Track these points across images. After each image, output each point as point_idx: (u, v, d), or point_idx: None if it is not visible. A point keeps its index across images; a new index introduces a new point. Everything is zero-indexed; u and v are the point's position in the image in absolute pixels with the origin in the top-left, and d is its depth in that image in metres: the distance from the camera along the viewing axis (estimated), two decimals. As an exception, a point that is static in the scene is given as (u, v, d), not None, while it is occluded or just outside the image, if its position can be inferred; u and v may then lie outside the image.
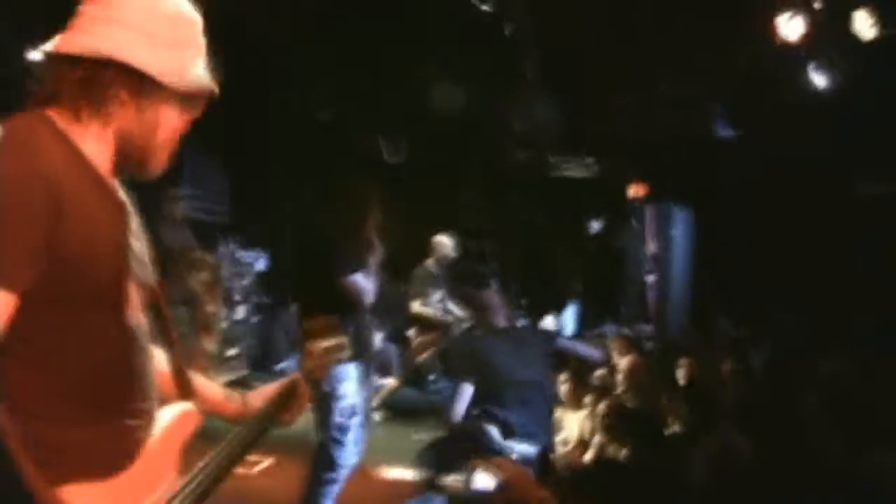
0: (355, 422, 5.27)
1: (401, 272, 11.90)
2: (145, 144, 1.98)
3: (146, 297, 2.04)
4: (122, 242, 1.92)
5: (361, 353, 5.36)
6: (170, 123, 2.01)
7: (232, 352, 10.18)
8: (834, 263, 9.14)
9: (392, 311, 12.28)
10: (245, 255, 11.10)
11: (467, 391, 5.82)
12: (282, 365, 10.46)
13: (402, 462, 7.52)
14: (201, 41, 2.06)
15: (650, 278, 9.80)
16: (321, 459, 5.22)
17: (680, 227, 10.16)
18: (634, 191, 11.18)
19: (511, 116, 11.41)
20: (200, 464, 2.07)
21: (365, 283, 5.25)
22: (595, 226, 11.62)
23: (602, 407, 6.72)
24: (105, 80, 1.89)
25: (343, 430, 5.19)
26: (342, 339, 2.87)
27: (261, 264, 11.57)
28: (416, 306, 9.70)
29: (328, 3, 8.98)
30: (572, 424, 7.25)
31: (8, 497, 1.65)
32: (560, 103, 11.18)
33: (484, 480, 6.84)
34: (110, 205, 1.93)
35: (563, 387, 7.54)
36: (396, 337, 12.18)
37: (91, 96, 1.89)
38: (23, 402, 1.76)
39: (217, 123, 9.03)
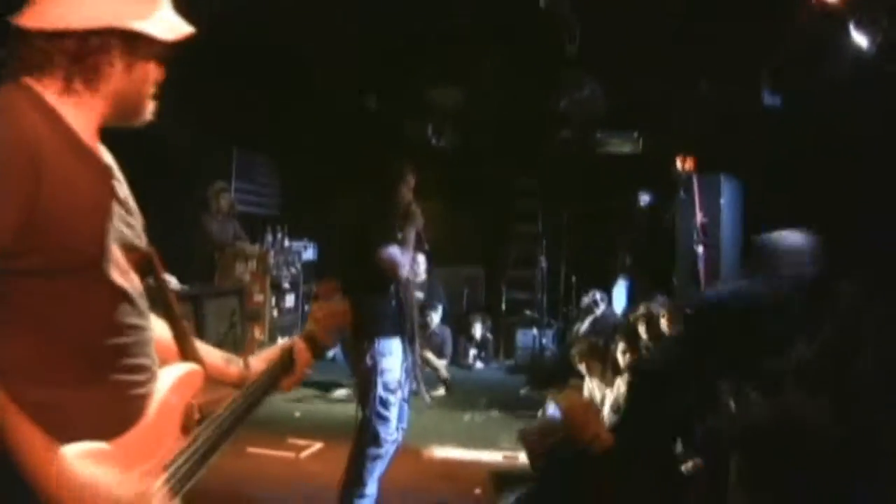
0: (398, 397, 5.24)
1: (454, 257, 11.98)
2: (136, 99, 2.03)
3: (137, 260, 2.04)
4: (105, 204, 1.93)
5: (404, 328, 5.36)
6: (154, 74, 2.05)
7: (281, 340, 10.17)
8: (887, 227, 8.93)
9: (449, 294, 12.38)
10: (293, 245, 11.13)
11: None
12: (333, 352, 10.44)
13: (452, 442, 7.53)
14: None
15: (700, 249, 9.66)
16: (364, 435, 5.19)
17: (728, 197, 10.00)
18: (682, 164, 11.02)
19: (554, 94, 11.35)
20: (202, 426, 2.08)
21: (400, 256, 5.21)
22: (644, 200, 11.47)
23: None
24: (99, 49, 1.92)
25: (386, 404, 5.17)
26: (347, 304, 2.83)
27: (309, 253, 11.63)
28: None
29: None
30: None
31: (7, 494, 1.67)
32: (602, 79, 11.10)
33: (552, 408, 7.02)
34: (92, 168, 1.94)
35: (620, 356, 7.52)
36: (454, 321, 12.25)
37: (85, 66, 1.92)
38: (19, 368, 1.77)
39: (264, 115, 9.15)
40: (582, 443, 6.60)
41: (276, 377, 2.45)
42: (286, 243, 10.89)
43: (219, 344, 2.67)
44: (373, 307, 5.20)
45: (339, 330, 2.81)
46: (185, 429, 2.07)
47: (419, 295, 11.65)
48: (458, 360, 11.93)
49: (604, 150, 12.35)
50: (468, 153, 12.68)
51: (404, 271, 5.28)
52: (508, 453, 7.06)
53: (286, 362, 2.48)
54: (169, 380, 2.07)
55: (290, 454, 6.92)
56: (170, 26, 2.03)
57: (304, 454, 6.94)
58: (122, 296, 1.94)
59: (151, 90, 2.06)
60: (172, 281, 8.36)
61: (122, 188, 2.06)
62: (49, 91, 1.89)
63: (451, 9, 9.64)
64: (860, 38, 7.85)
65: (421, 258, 10.89)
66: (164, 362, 2.14)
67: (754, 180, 10.26)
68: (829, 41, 8.32)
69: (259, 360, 2.48)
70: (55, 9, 1.90)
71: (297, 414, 8.36)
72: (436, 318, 11.75)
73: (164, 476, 1.89)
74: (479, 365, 12.03)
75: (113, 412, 1.89)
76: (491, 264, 13.37)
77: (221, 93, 9.95)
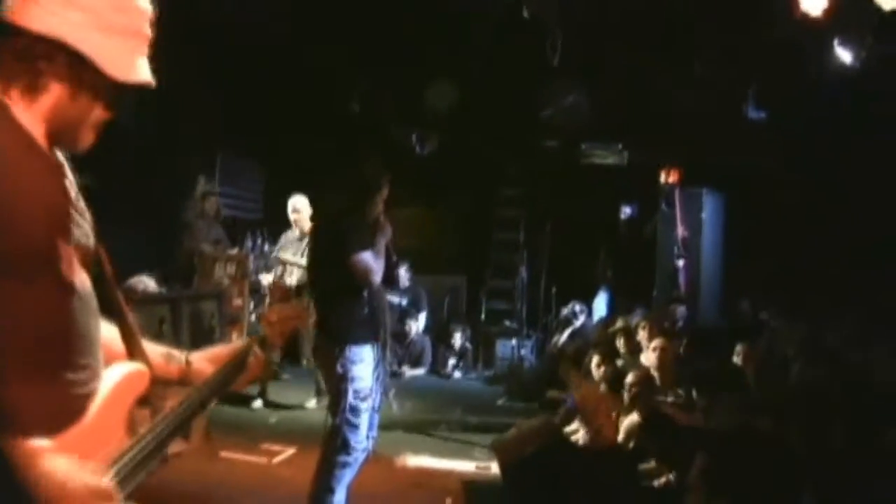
0: (368, 404, 5.21)
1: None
2: (73, 129, 1.97)
3: (86, 259, 2.01)
4: (56, 203, 1.90)
5: (377, 335, 5.33)
6: (103, 108, 1.98)
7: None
8: (866, 245, 8.97)
9: (431, 303, 12.36)
10: (272, 249, 11.07)
11: None
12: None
13: (426, 451, 7.49)
14: (149, 32, 2.03)
15: (680, 262, 9.69)
16: (334, 443, 5.15)
17: (710, 211, 10.05)
18: (667, 176, 11.05)
19: (538, 103, 11.36)
20: (149, 425, 2.05)
21: (373, 262, 5.18)
22: (625, 212, 11.51)
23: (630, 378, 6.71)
24: (43, 57, 1.88)
25: (356, 412, 5.13)
26: (302, 307, 2.82)
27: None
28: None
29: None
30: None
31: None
32: (587, 89, 11.11)
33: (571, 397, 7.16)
34: (42, 166, 1.90)
35: (595, 369, 7.53)
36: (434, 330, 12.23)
37: (27, 70, 1.87)
38: None
39: (249, 119, 9.12)
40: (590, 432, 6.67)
41: (230, 378, 2.41)
42: (266, 248, 10.81)
43: (196, 347, 2.64)
44: (345, 313, 5.18)
45: (292, 332, 2.79)
46: (130, 429, 2.04)
47: (402, 302, 11.67)
48: (437, 369, 11.91)
49: (589, 161, 12.37)
50: (452, 160, 12.66)
51: (377, 277, 5.25)
52: (481, 463, 7.03)
53: (241, 363, 2.44)
54: (113, 379, 2.04)
55: (262, 459, 6.88)
56: (128, 68, 1.97)
57: (276, 460, 6.89)
58: (71, 293, 1.91)
59: (91, 128, 2.00)
60: (150, 283, 8.32)
61: (72, 187, 2.03)
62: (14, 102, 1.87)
63: (435, 18, 9.65)
64: (844, 54, 7.87)
65: (403, 266, 10.92)
66: (110, 362, 2.10)
67: (736, 195, 10.30)
68: (811, 55, 8.36)
69: (202, 358, 2.43)
70: (35, 9, 1.87)
71: (273, 420, 8.32)
72: (415, 326, 11.73)
73: (110, 472, 1.86)
74: (457, 374, 11.98)
75: (56, 409, 1.86)
76: (472, 273, 13.33)
77: (206, 96, 9.93)
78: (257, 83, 10.40)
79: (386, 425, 8.19)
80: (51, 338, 1.87)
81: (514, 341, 12.13)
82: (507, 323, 12.54)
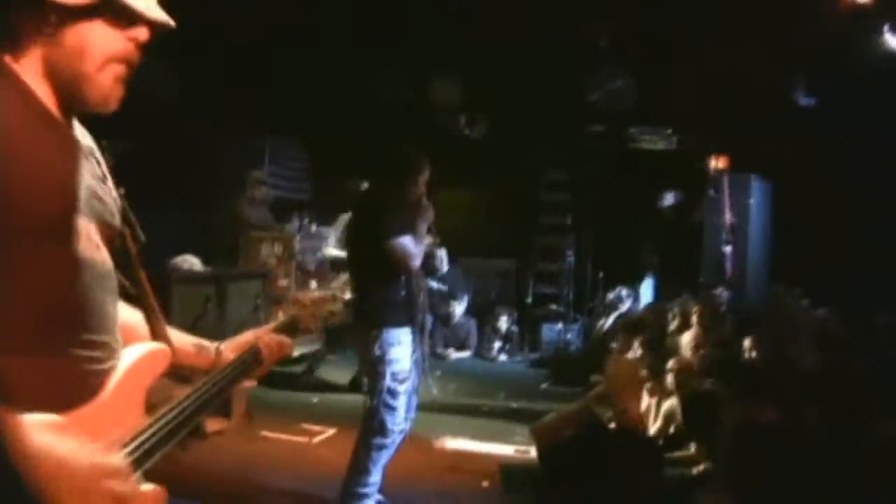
0: (406, 387, 5.24)
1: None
2: (75, 74, 1.89)
3: (110, 237, 2.02)
4: (69, 177, 1.88)
5: (414, 318, 5.36)
6: (101, 48, 1.90)
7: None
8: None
9: (480, 286, 12.38)
10: (321, 230, 11.15)
11: None
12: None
13: (465, 434, 7.52)
14: None
15: (727, 249, 9.60)
16: (371, 424, 5.20)
17: (757, 197, 9.93)
18: (716, 162, 10.94)
19: (586, 87, 11.29)
20: (167, 407, 2.03)
21: (412, 247, 5.20)
22: (669, 198, 11.42)
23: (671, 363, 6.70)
24: (15, 13, 1.84)
25: (393, 394, 5.17)
26: (334, 292, 2.81)
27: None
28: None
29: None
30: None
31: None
32: (635, 73, 11.02)
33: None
34: (56, 140, 1.89)
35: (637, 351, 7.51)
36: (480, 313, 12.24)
37: (8, 31, 1.84)
38: None
39: (299, 99, 9.17)
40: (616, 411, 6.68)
41: (245, 368, 2.42)
42: (313, 229, 10.88)
43: (241, 327, 2.65)
44: (382, 296, 5.21)
45: (323, 315, 2.81)
46: (149, 407, 2.05)
47: (442, 287, 11.70)
48: (481, 352, 11.93)
49: (637, 145, 12.29)
50: (501, 144, 12.64)
51: (416, 262, 5.27)
52: (521, 447, 7.04)
53: (255, 354, 2.45)
54: (132, 358, 2.03)
55: (302, 439, 6.95)
56: None
57: (316, 440, 6.97)
58: (87, 269, 1.90)
59: (100, 65, 1.91)
60: (195, 262, 8.42)
61: (100, 167, 2.03)
62: (8, 58, 1.84)
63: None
64: (893, 40, 7.75)
65: (442, 251, 10.84)
66: (136, 338, 2.12)
67: (785, 182, 10.18)
68: (861, 41, 8.23)
69: (230, 348, 2.45)
70: None
71: (315, 399, 8.39)
72: (459, 309, 11.76)
73: (122, 452, 1.86)
74: (502, 357, 12.00)
75: (67, 385, 1.85)
76: (521, 257, 13.32)
77: (256, 77, 9.99)
78: (305, 63, 10.42)
79: (427, 407, 8.27)
80: (59, 311, 1.86)
81: (560, 325, 12.12)
82: (553, 307, 12.53)
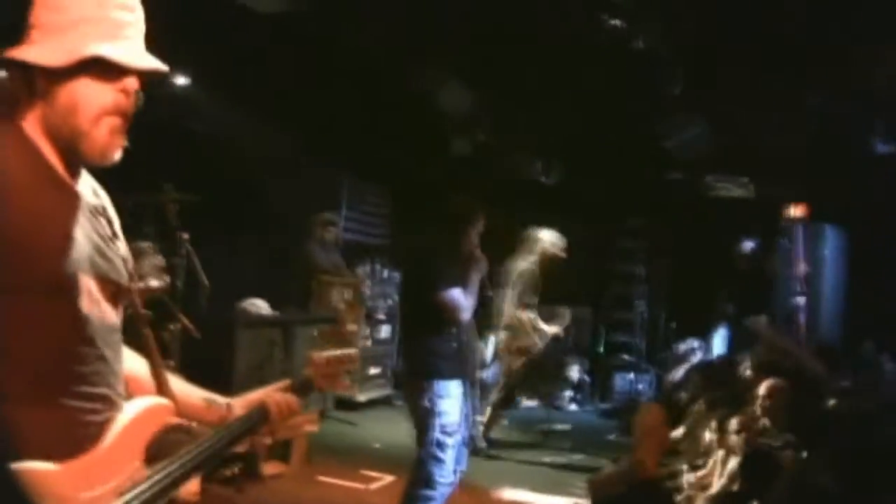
0: (455, 439, 5.23)
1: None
2: (72, 131, 1.96)
3: (113, 293, 2.07)
4: (70, 234, 1.95)
5: (464, 370, 5.35)
6: (92, 103, 1.97)
7: (374, 371, 10.30)
8: None
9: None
10: (393, 276, 11.20)
11: None
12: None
13: (526, 484, 7.46)
14: (102, 16, 2.00)
15: (800, 300, 9.38)
16: (418, 476, 5.20)
17: (831, 247, 9.72)
18: (794, 211, 10.74)
19: (660, 135, 11.20)
20: (166, 461, 2.08)
21: (461, 299, 5.20)
22: (746, 246, 11.23)
23: (734, 423, 6.51)
24: (11, 80, 1.95)
25: (442, 446, 5.16)
26: (352, 351, 2.82)
27: (409, 284, 11.68)
28: (516, 311, 8.75)
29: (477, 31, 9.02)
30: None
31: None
32: (711, 121, 10.91)
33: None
34: (60, 198, 1.97)
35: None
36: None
37: (9, 98, 1.95)
38: None
39: (379, 144, 9.28)
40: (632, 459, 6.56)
41: (252, 426, 2.44)
42: (385, 274, 10.94)
43: None
44: (432, 348, 5.22)
45: (342, 376, 2.81)
46: (148, 460, 2.09)
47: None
48: (552, 400, 11.83)
49: (714, 193, 12.15)
50: (577, 190, 12.60)
51: (465, 315, 5.27)
52: (579, 500, 6.95)
53: (263, 413, 2.46)
54: (133, 411, 2.08)
55: (359, 485, 6.95)
56: (72, 53, 1.94)
57: (373, 486, 6.96)
58: (87, 325, 1.96)
59: (94, 118, 1.97)
60: (263, 306, 8.52)
61: (110, 226, 2.10)
62: (25, 122, 1.95)
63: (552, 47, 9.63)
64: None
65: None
66: (142, 391, 2.19)
67: (862, 231, 9.95)
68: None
69: (241, 405, 2.46)
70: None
71: (377, 445, 8.40)
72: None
73: (118, 502, 1.91)
74: (573, 406, 11.89)
75: (64, 436, 1.90)
76: (595, 304, 13.21)
77: (336, 119, 10.11)
78: (388, 107, 10.49)
79: (488, 455, 8.27)
80: (56, 364, 1.92)
81: (631, 375, 11.98)
82: (626, 356, 12.40)
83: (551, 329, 9.10)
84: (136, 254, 6.58)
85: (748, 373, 7.66)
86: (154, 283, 6.66)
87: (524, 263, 8.83)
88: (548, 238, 8.93)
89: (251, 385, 2.60)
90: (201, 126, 9.43)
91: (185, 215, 7.02)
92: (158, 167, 7.22)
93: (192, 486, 5.31)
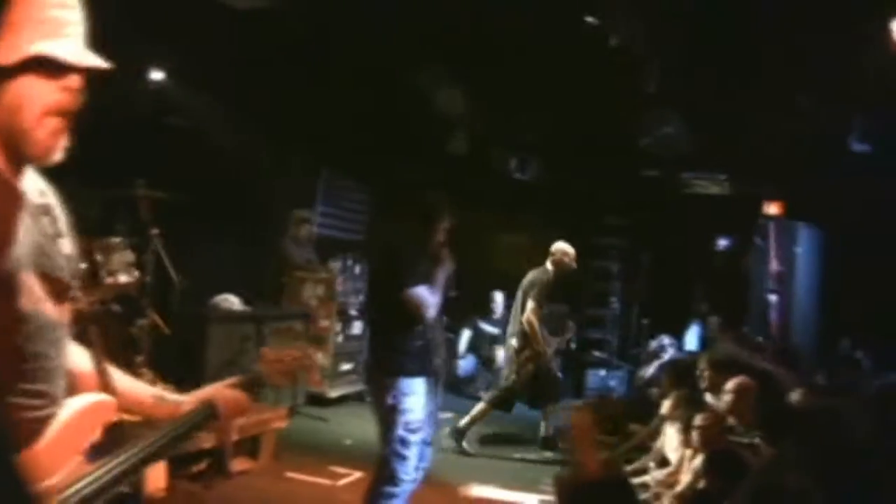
0: (419, 437, 5.22)
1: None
2: (15, 130, 1.97)
3: (57, 290, 2.06)
4: (10, 231, 1.94)
5: (429, 368, 5.34)
6: (36, 102, 1.98)
7: (346, 367, 10.25)
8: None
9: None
10: (364, 270, 11.14)
11: None
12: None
13: (494, 481, 7.46)
14: (44, 16, 2.01)
15: (773, 297, 9.42)
16: (382, 473, 5.19)
17: (805, 245, 9.76)
18: (769, 208, 10.78)
19: (637, 132, 11.21)
20: (106, 459, 2.07)
21: (427, 297, 5.17)
22: (721, 244, 11.29)
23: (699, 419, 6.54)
24: None
25: (406, 444, 5.15)
26: (305, 349, 2.80)
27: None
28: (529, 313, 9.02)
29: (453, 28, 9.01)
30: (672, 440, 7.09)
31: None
32: (686, 119, 10.92)
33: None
34: (0, 195, 1.96)
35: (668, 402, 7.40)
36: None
37: None
38: None
39: (354, 140, 9.24)
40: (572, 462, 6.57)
41: (199, 423, 2.42)
42: (358, 270, 10.89)
43: None
44: (397, 345, 5.20)
45: (297, 372, 2.80)
46: (89, 457, 2.08)
47: (493, 329, 11.63)
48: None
49: (690, 190, 12.18)
50: (555, 187, 12.61)
51: (431, 312, 5.25)
52: (546, 497, 6.96)
53: (207, 411, 2.45)
54: (74, 407, 2.08)
55: (327, 481, 6.91)
56: (14, 53, 1.96)
57: (340, 482, 6.91)
58: (27, 321, 1.96)
59: (38, 118, 1.98)
60: (235, 301, 8.50)
61: (55, 224, 2.09)
62: None
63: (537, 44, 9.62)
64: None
65: (499, 294, 10.77)
66: (87, 388, 2.18)
67: (837, 229, 9.99)
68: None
69: (191, 402, 2.45)
70: None
71: (348, 441, 8.37)
72: (501, 353, 11.68)
73: (58, 499, 1.90)
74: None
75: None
76: (572, 301, 13.21)
77: (313, 115, 10.08)
78: (364, 102, 10.46)
79: (458, 452, 8.28)
80: None
81: (604, 372, 11.98)
82: (597, 353, 12.41)
83: (555, 341, 9.55)
84: (106, 250, 6.58)
85: (706, 373, 7.69)
86: (123, 278, 6.65)
87: (538, 272, 9.19)
88: (560, 248, 9.13)
89: (223, 380, 2.61)
90: (178, 121, 9.40)
91: (161, 211, 7.00)
92: (135, 163, 7.21)
93: (160, 482, 5.31)
